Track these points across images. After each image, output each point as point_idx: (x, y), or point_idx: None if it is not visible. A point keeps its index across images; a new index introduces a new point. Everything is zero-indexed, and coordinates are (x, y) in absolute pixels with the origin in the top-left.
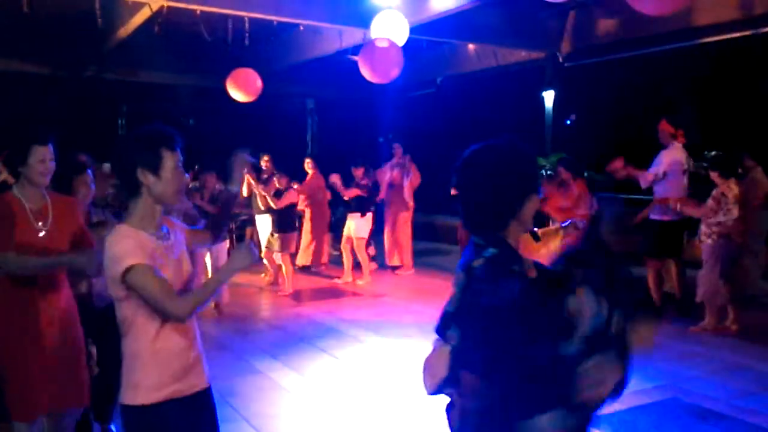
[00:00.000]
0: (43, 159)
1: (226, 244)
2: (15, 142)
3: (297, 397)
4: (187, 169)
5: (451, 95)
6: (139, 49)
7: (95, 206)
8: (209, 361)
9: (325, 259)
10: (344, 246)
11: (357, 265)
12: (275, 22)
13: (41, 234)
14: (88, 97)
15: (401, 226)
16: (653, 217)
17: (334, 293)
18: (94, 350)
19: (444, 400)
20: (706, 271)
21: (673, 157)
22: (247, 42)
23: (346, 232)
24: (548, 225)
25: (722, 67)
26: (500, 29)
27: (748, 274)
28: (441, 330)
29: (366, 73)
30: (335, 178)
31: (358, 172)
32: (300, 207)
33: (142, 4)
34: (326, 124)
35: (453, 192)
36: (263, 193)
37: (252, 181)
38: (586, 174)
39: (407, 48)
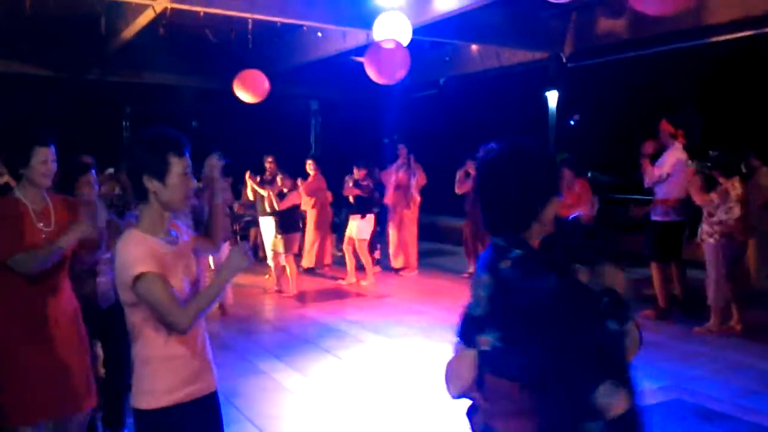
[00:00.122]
0: (45, 160)
1: (228, 245)
2: (17, 143)
3: (300, 398)
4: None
5: (454, 96)
6: (142, 50)
7: None
8: (214, 362)
9: (328, 260)
10: (346, 247)
11: (361, 267)
12: (279, 24)
13: (44, 235)
14: (91, 98)
15: (407, 227)
16: (654, 218)
17: (338, 294)
18: (99, 351)
19: (443, 402)
20: (711, 273)
21: (676, 157)
22: (250, 44)
23: (347, 233)
24: None
25: (727, 67)
26: (503, 30)
27: (751, 273)
28: (466, 334)
29: (372, 74)
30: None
31: (360, 173)
32: (302, 207)
33: (146, 6)
34: (330, 125)
35: (457, 190)
36: (270, 195)
37: (255, 186)
38: (589, 174)
39: (410, 49)
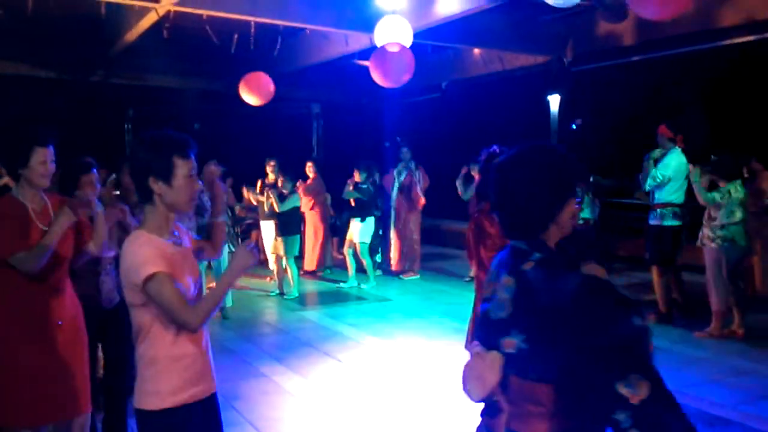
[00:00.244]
0: (44, 160)
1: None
2: (16, 144)
3: (301, 401)
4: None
5: (457, 100)
6: (145, 53)
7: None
8: (214, 365)
9: (329, 263)
10: (346, 250)
11: (362, 270)
12: (281, 27)
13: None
14: (94, 101)
15: (412, 230)
16: (653, 222)
17: (339, 297)
18: (99, 353)
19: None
20: (713, 278)
21: (678, 161)
22: (252, 46)
23: (348, 236)
24: None
25: (731, 71)
26: (505, 34)
27: (756, 278)
28: (486, 337)
29: (378, 78)
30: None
31: (360, 176)
32: (301, 210)
33: (149, 9)
34: (332, 128)
35: (463, 196)
36: (271, 198)
37: (253, 198)
38: (591, 179)
39: (412, 52)
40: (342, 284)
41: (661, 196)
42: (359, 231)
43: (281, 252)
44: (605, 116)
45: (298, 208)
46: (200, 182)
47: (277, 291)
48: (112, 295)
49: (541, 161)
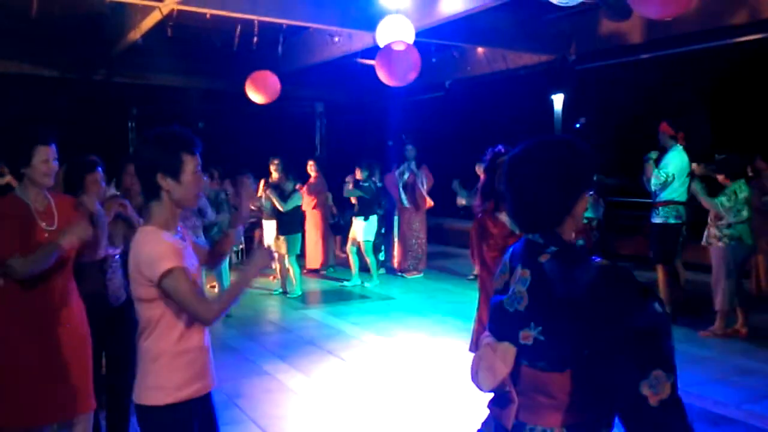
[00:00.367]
0: (46, 159)
1: None
2: (18, 143)
3: (304, 399)
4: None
5: (460, 98)
6: (148, 52)
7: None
8: (216, 363)
9: (332, 261)
10: (349, 249)
11: (365, 268)
12: (284, 26)
13: (48, 234)
14: (97, 100)
15: (418, 229)
16: (656, 220)
17: (342, 296)
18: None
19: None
20: (718, 277)
21: (680, 159)
22: (254, 45)
23: (351, 234)
24: None
25: (735, 70)
26: (509, 32)
27: (762, 277)
28: (500, 329)
29: (383, 76)
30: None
31: (362, 174)
32: (303, 208)
33: (153, 8)
34: (335, 127)
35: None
36: (271, 198)
37: (252, 206)
38: (595, 177)
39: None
40: (345, 283)
41: (663, 195)
42: (363, 229)
43: (283, 251)
44: (609, 115)
45: (299, 207)
46: (206, 178)
47: (280, 289)
48: (119, 293)
49: (549, 157)
